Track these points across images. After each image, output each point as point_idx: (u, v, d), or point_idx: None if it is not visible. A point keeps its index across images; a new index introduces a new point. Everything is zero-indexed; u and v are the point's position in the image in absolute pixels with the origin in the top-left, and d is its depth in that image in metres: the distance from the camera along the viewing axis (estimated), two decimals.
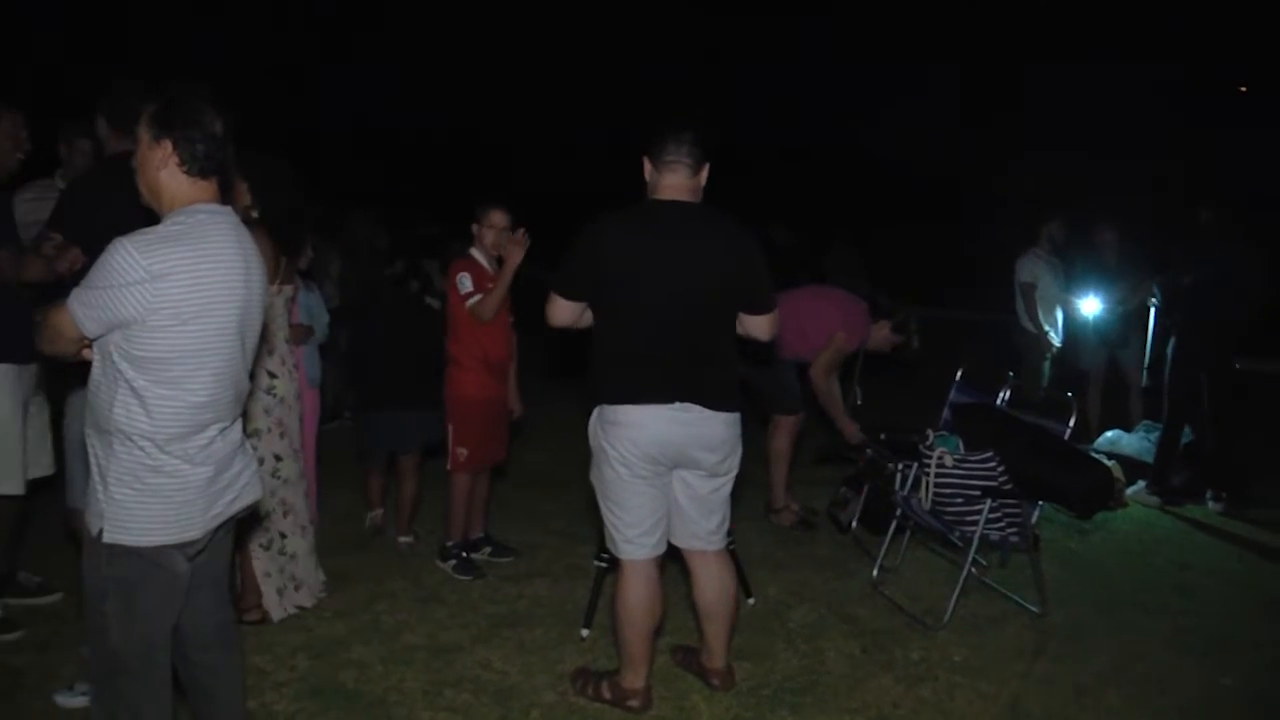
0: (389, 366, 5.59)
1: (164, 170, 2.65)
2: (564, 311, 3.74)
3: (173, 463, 2.61)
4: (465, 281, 5.04)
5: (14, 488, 4.14)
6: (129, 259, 2.47)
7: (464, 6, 23.99)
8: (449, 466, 5.21)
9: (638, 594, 3.75)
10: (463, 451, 5.16)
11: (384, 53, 23.20)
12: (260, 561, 4.48)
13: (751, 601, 4.86)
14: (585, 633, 4.48)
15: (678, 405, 3.62)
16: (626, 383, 3.64)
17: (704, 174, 3.77)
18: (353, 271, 7.53)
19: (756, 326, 3.81)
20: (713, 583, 3.91)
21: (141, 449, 2.58)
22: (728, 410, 3.73)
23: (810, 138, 21.65)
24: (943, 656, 4.39)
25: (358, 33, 23.07)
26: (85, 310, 2.52)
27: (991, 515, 4.71)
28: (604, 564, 4.52)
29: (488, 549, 5.42)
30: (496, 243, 5.11)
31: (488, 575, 5.17)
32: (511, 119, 23.28)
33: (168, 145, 2.63)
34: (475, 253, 5.18)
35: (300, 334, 5.09)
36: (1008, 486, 4.72)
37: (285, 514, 4.57)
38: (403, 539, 5.60)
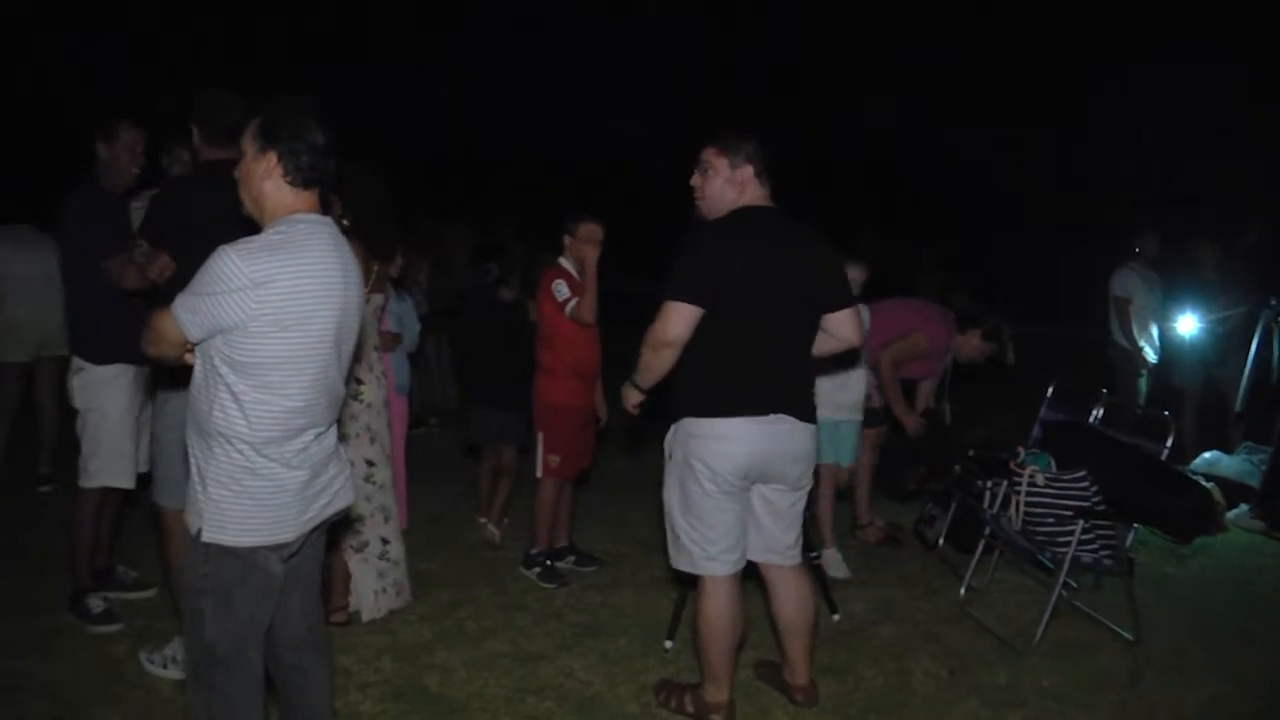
0: (483, 368, 5.76)
1: (268, 181, 2.71)
2: (686, 319, 3.55)
3: (269, 466, 2.67)
4: (562, 288, 5.08)
5: (125, 481, 4.28)
6: (232, 266, 2.53)
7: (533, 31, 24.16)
8: (538, 474, 5.25)
9: (720, 609, 3.72)
10: (554, 459, 5.19)
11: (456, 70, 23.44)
12: (354, 565, 4.56)
13: (836, 618, 4.81)
14: (669, 644, 4.47)
15: (772, 417, 3.59)
16: (721, 395, 3.60)
17: (763, 173, 3.74)
18: (443, 279, 7.65)
19: (840, 325, 3.72)
20: (792, 598, 3.88)
21: (239, 452, 2.64)
22: (813, 421, 3.72)
23: (896, 149, 21.29)
24: (1032, 682, 4.28)
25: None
26: (189, 315, 2.59)
27: (1084, 537, 4.59)
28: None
29: (572, 558, 5.45)
30: (589, 255, 5.13)
31: (571, 584, 5.20)
32: (581, 135, 23.35)
33: (273, 157, 2.68)
34: (564, 262, 5.21)
35: (389, 341, 5.18)
36: (1101, 507, 4.60)
37: (386, 519, 4.64)
38: (490, 529, 5.80)
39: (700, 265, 3.57)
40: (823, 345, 3.78)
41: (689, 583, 4.49)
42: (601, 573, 5.40)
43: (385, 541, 4.64)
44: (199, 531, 2.66)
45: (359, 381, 4.48)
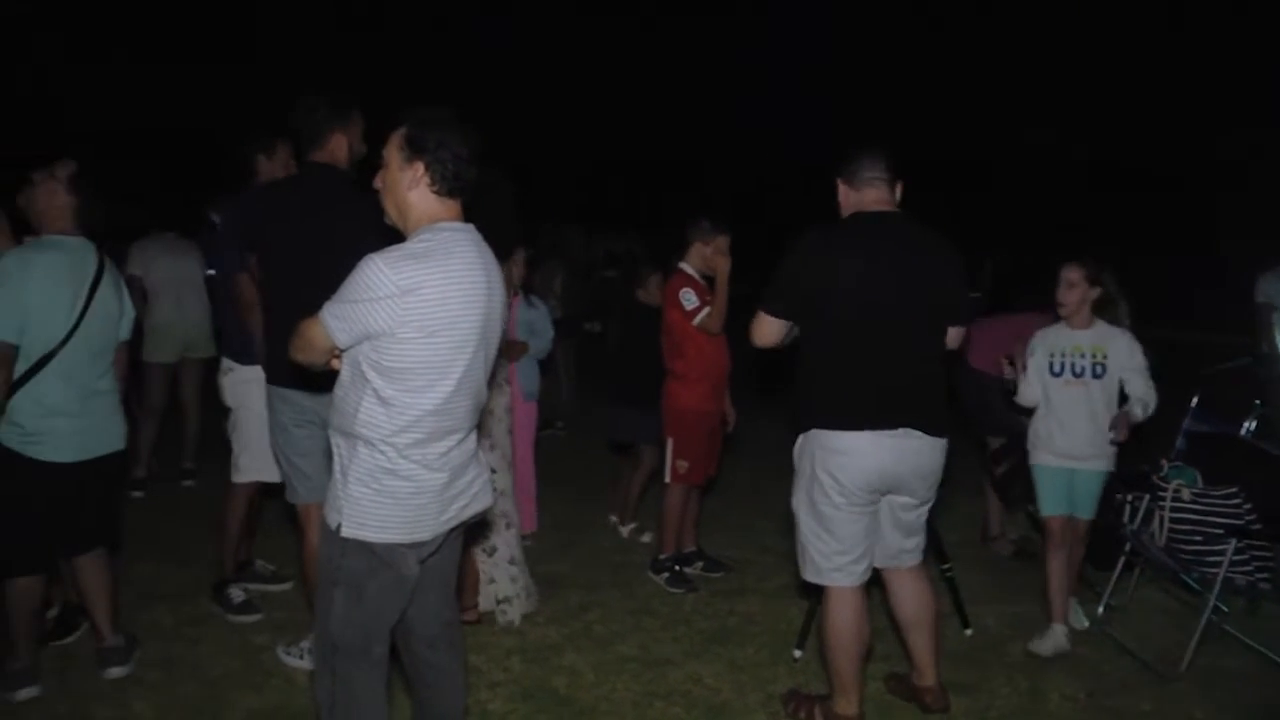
0: (623, 370, 5.87)
1: (414, 191, 2.75)
2: (772, 330, 3.65)
3: (411, 467, 2.71)
4: (690, 297, 5.06)
5: (274, 475, 4.42)
6: (380, 275, 2.59)
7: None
8: (667, 479, 5.25)
9: (847, 620, 3.66)
10: (683, 464, 5.18)
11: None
12: (484, 566, 4.62)
13: (969, 632, 4.68)
14: (798, 654, 4.41)
15: (901, 431, 3.52)
16: (848, 407, 3.53)
17: (899, 192, 3.67)
18: (575, 284, 7.73)
19: (950, 338, 3.71)
20: (909, 595, 3.83)
21: (382, 453, 2.69)
22: (944, 435, 3.63)
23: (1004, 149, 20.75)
24: (1180, 711, 4.06)
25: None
26: (338, 323, 2.65)
27: (1237, 557, 4.36)
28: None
29: (700, 563, 5.43)
30: (712, 264, 5.13)
31: (699, 589, 5.17)
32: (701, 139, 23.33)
33: (420, 167, 2.72)
34: (686, 267, 5.20)
35: (516, 350, 5.23)
36: (1256, 526, 4.37)
37: (508, 525, 4.69)
38: (622, 527, 5.87)
39: (788, 274, 3.60)
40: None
41: (818, 592, 4.45)
42: (729, 579, 5.36)
43: (509, 546, 4.70)
44: (338, 526, 2.72)
45: None
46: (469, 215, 2.81)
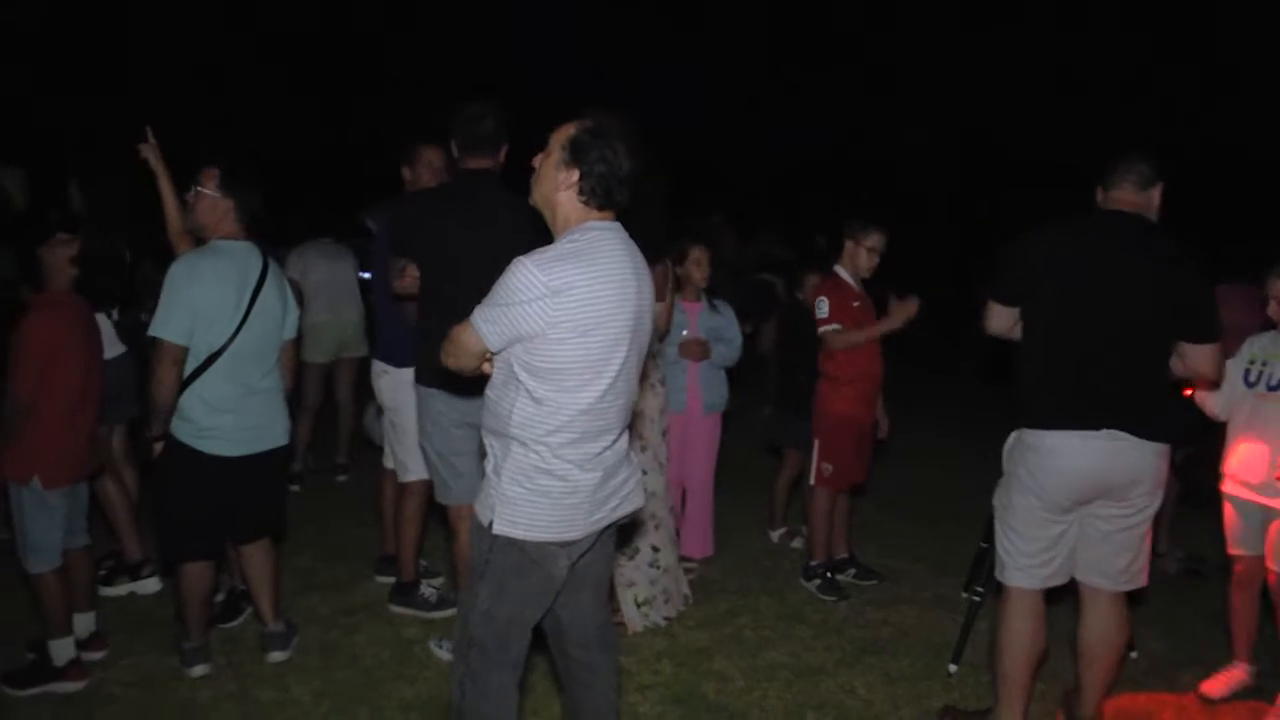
0: (778, 370, 5.84)
1: (563, 192, 2.72)
2: (999, 318, 3.61)
3: (564, 467, 2.70)
4: (823, 307, 4.95)
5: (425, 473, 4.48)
6: (530, 277, 2.57)
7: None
8: (812, 481, 5.14)
9: (1018, 624, 3.52)
10: (827, 467, 5.07)
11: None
12: (624, 570, 4.58)
13: (1134, 655, 4.43)
14: (953, 668, 4.26)
15: (1105, 432, 3.34)
16: (1052, 405, 3.40)
17: (1155, 193, 3.49)
18: (727, 284, 7.67)
19: (1198, 358, 3.38)
20: (1097, 624, 3.58)
21: (536, 452, 2.68)
22: (1159, 440, 3.39)
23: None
24: None
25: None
26: (489, 326, 2.65)
27: None
28: (978, 598, 4.28)
29: (852, 570, 5.29)
30: (870, 263, 5.01)
31: (852, 597, 5.04)
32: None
33: (575, 174, 2.69)
34: (841, 270, 5.08)
35: (695, 350, 5.16)
36: None
37: (656, 527, 4.64)
38: (772, 531, 5.86)
39: (1010, 261, 3.55)
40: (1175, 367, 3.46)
41: (977, 607, 4.28)
42: (882, 588, 5.21)
43: (655, 549, 4.64)
44: (490, 523, 2.72)
45: None
46: (622, 221, 2.78)
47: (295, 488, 6.45)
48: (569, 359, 2.63)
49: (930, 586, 5.24)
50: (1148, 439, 3.34)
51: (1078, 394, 3.35)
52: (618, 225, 2.79)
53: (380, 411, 4.96)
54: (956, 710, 3.88)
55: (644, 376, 4.51)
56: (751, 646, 4.47)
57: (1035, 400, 3.44)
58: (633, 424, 4.47)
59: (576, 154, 2.68)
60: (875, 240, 4.99)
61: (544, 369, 2.64)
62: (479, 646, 2.79)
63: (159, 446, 3.92)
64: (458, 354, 2.79)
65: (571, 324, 2.60)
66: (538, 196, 2.81)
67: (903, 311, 4.86)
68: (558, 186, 2.72)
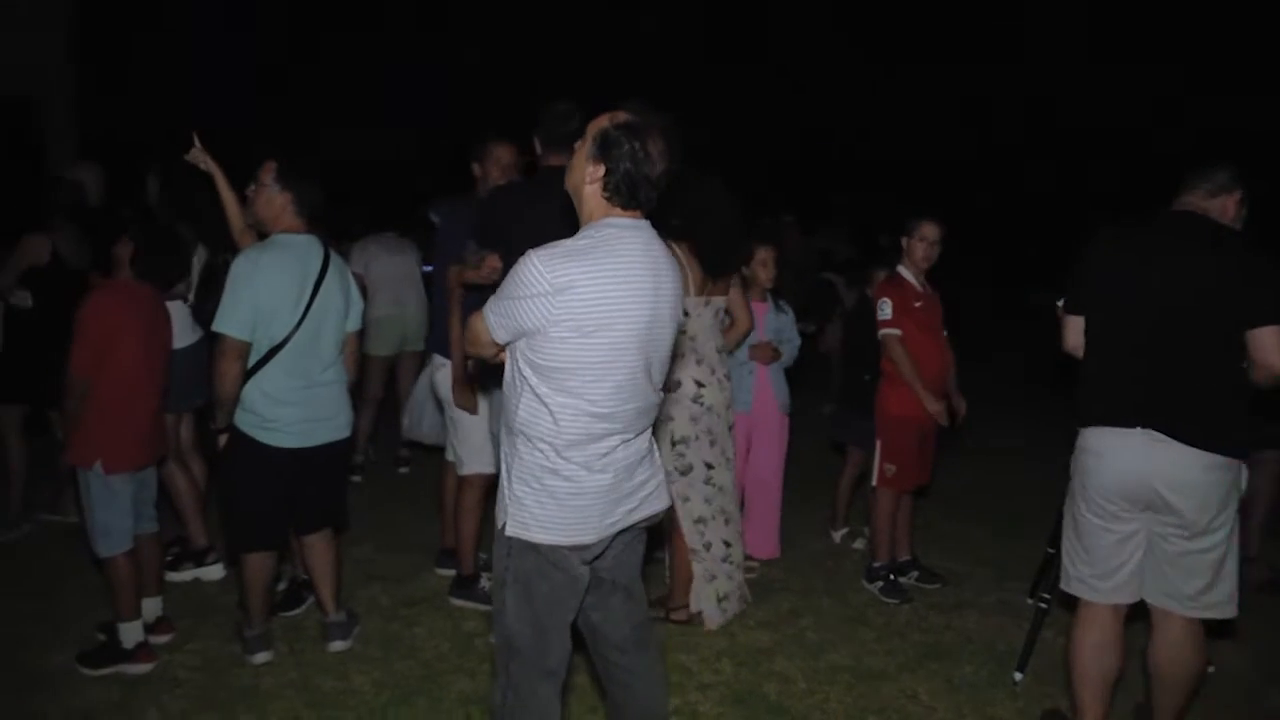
0: (844, 367, 5.81)
1: (589, 186, 2.66)
2: (1069, 329, 3.52)
3: (570, 468, 2.63)
4: (885, 308, 4.90)
5: (491, 467, 4.48)
6: (534, 272, 2.52)
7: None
8: (874, 482, 5.07)
9: (1087, 640, 3.43)
10: (890, 468, 5.00)
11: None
12: (703, 564, 4.55)
13: (1211, 669, 4.27)
14: (1019, 676, 4.16)
15: (1141, 431, 3.23)
16: (1097, 403, 3.34)
17: (1228, 202, 3.39)
18: (792, 282, 7.62)
19: (1265, 346, 3.16)
20: (1168, 648, 3.41)
21: (541, 451, 2.63)
22: (1210, 449, 3.20)
23: None
24: None
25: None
26: (496, 318, 2.62)
27: None
28: (1044, 605, 4.19)
29: (914, 573, 5.22)
30: (928, 255, 4.95)
31: (914, 600, 4.97)
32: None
33: (600, 169, 2.62)
34: (903, 270, 5.02)
35: (765, 354, 5.16)
36: None
37: (726, 522, 4.61)
38: (834, 531, 5.84)
39: (1077, 272, 3.48)
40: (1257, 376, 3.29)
41: (1043, 614, 4.19)
42: (945, 591, 5.13)
43: (727, 544, 4.61)
44: (504, 525, 2.68)
45: (699, 384, 4.46)
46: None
47: (357, 479, 6.52)
48: (571, 359, 2.57)
49: (994, 591, 5.15)
50: (1191, 444, 3.18)
51: (1120, 391, 3.28)
52: (642, 224, 2.70)
53: (429, 409, 4.99)
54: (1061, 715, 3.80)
55: (711, 371, 4.49)
56: (813, 648, 4.42)
57: (1083, 399, 3.39)
58: (702, 419, 4.46)
59: (604, 149, 2.62)
60: (929, 231, 4.94)
61: (546, 367, 2.59)
62: (519, 656, 2.72)
63: (224, 438, 3.97)
64: (473, 343, 2.77)
65: (573, 323, 2.54)
66: (570, 184, 2.75)
67: (939, 410, 4.91)
68: (585, 179, 2.66)
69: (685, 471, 4.49)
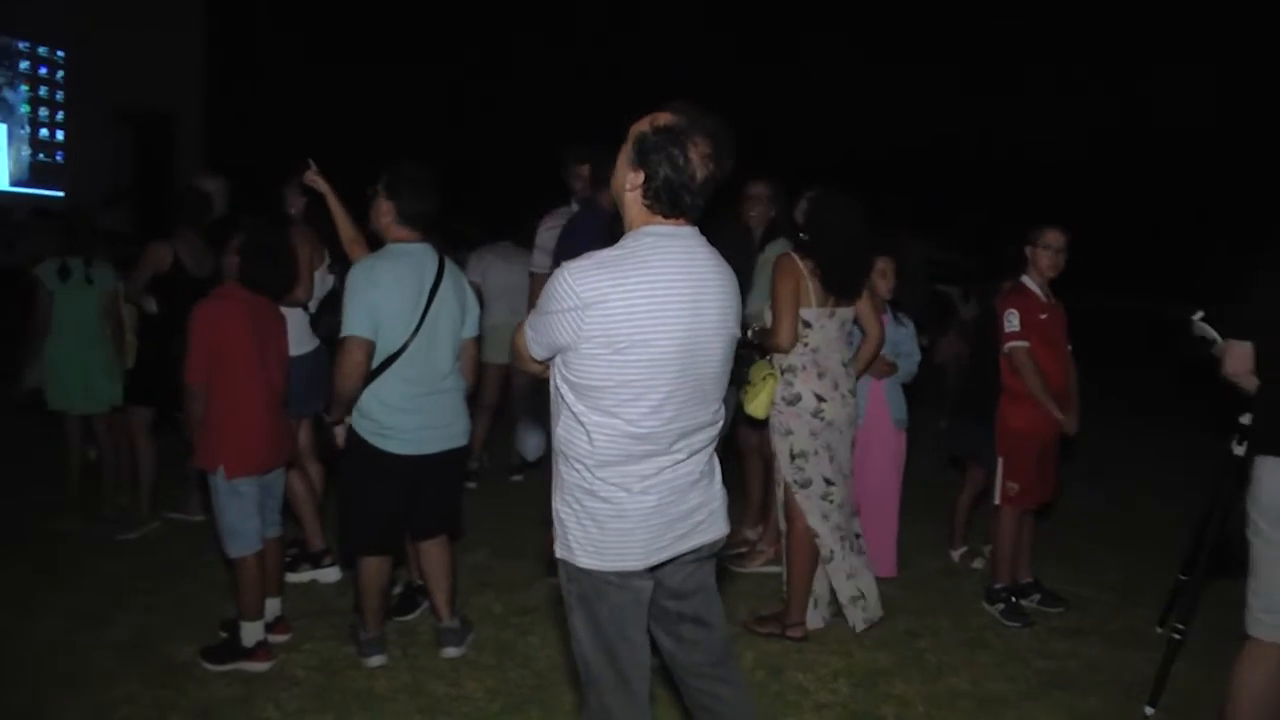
0: (967, 379, 5.71)
1: (630, 193, 2.53)
2: (1237, 355, 3.34)
3: (607, 489, 2.50)
4: (1012, 320, 4.75)
5: None
6: (565, 286, 2.42)
7: None
8: (996, 500, 4.91)
9: (1255, 680, 3.25)
10: (1013, 486, 4.83)
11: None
12: (847, 559, 4.52)
13: None
14: (1150, 711, 3.96)
15: None
16: (1265, 429, 3.19)
17: None
18: (906, 293, 7.49)
19: None
20: None
21: (577, 470, 2.53)
22: None
23: None
24: None
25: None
26: (533, 334, 2.54)
27: None
28: (1177, 635, 3.99)
29: (1036, 596, 5.04)
30: (1054, 264, 4.80)
31: (1036, 624, 4.81)
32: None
33: (640, 175, 2.49)
34: (1028, 281, 4.87)
35: (883, 369, 5.08)
36: None
37: (842, 538, 4.54)
38: (952, 551, 5.73)
39: (1247, 293, 3.32)
40: None
41: (1177, 645, 3.99)
42: (1067, 616, 4.95)
43: (844, 559, 4.54)
44: (554, 548, 2.60)
45: (820, 399, 4.37)
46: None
47: (472, 485, 6.57)
48: (604, 376, 2.45)
49: (1120, 618, 4.95)
50: None
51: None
52: (687, 231, 2.56)
53: (532, 429, 5.03)
54: None
55: (834, 385, 4.39)
56: (931, 670, 4.30)
57: (1260, 427, 3.23)
58: (821, 434, 4.37)
59: (642, 155, 2.48)
60: (1053, 238, 4.79)
61: (579, 385, 2.48)
62: (598, 680, 2.58)
63: (340, 431, 4.03)
64: (517, 358, 2.69)
65: (604, 339, 2.41)
66: (614, 188, 2.62)
67: (1068, 420, 4.80)
68: (626, 186, 2.54)
69: (804, 485, 4.41)
